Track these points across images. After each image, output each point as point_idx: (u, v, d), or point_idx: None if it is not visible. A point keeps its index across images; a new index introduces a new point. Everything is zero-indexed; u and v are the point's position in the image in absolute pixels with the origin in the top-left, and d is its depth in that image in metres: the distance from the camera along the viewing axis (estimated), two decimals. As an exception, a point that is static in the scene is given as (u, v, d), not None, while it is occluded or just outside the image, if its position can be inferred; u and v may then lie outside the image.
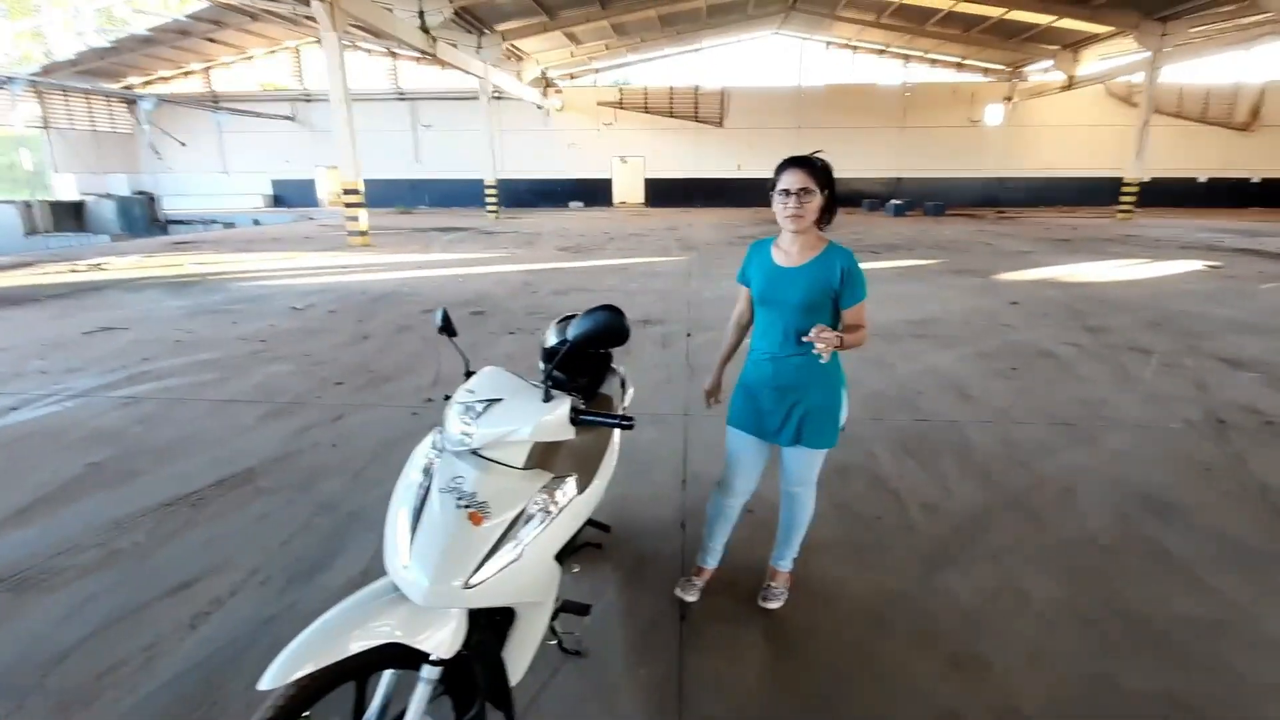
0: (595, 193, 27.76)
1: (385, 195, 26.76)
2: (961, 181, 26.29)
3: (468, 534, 1.32)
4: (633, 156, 27.51)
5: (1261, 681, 2.00)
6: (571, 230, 17.28)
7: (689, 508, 3.05)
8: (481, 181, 22.80)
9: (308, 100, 26.97)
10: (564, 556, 2.06)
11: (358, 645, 1.25)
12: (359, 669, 1.31)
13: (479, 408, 1.43)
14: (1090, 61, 22.25)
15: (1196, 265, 10.63)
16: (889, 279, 9.14)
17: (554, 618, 2.01)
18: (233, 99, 26.50)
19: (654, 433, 3.90)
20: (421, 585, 1.28)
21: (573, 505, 1.84)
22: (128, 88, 25.26)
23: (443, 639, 1.32)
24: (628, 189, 28.03)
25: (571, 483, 1.56)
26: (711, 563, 2.45)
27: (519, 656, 1.60)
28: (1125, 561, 2.64)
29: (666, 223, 19.25)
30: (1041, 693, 1.96)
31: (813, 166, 1.94)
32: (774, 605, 2.36)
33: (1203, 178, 25.48)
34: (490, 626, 1.50)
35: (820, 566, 2.58)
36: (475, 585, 1.31)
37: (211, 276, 9.76)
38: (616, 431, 2.36)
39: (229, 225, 21.38)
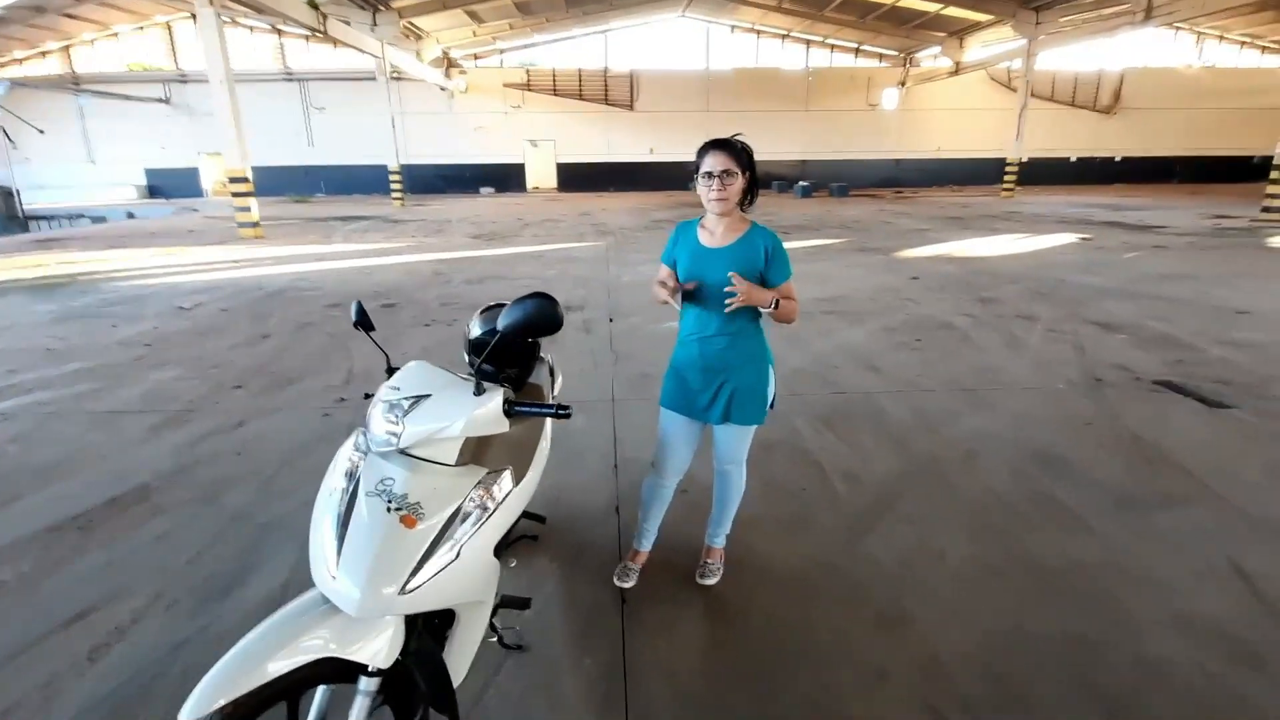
0: (507, 178, 27.12)
1: (277, 183, 25.10)
2: (863, 163, 27.48)
3: (400, 538, 1.26)
4: (543, 140, 27.01)
5: (1146, 613, 2.23)
6: (483, 217, 16.84)
7: (623, 493, 3.05)
8: (384, 167, 21.81)
9: (184, 81, 24.81)
10: (501, 551, 2.02)
11: (287, 664, 1.17)
12: (290, 688, 1.23)
13: (405, 405, 1.36)
14: (974, 48, 23.73)
15: (1071, 238, 11.61)
16: (800, 258, 9.43)
17: (493, 614, 1.97)
18: (97, 80, 23.98)
19: (583, 420, 3.88)
20: (353, 595, 1.21)
21: (510, 499, 1.80)
22: (-31, 68, 22.40)
23: (379, 648, 1.26)
24: (541, 174, 27.55)
25: (507, 476, 1.52)
26: (646, 545, 2.47)
27: (461, 658, 1.55)
28: (1025, 514, 2.87)
29: (581, 208, 19.08)
30: (959, 644, 2.10)
31: (734, 148, 1.96)
32: (711, 581, 2.41)
33: (1074, 157, 27.80)
34: (429, 630, 1.45)
35: (752, 540, 2.65)
36: (411, 590, 1.25)
37: (82, 277, 8.84)
38: (549, 421, 2.33)
39: (99, 220, 19.41)
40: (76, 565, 2.46)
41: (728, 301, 1.94)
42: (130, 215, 20.51)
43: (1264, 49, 26.76)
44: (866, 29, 24.70)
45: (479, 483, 1.43)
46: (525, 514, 2.34)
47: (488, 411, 1.38)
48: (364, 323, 1.67)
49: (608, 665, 2.02)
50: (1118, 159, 27.92)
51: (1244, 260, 9.27)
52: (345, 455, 1.42)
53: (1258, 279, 7.85)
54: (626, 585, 2.38)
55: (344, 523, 1.29)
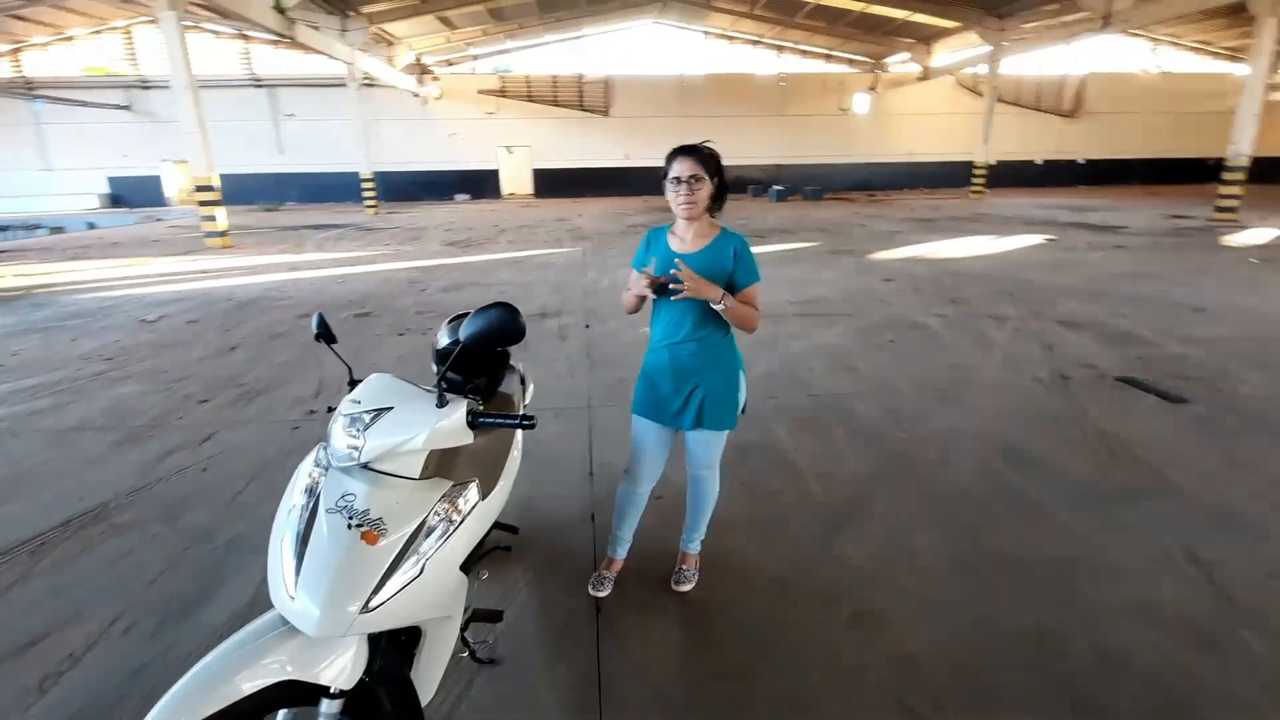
0: (482, 184, 26.91)
1: (246, 191, 24.59)
2: (836, 167, 27.78)
3: (362, 555, 1.23)
4: (519, 146, 26.89)
5: (1108, 603, 2.28)
6: (459, 223, 16.70)
7: (598, 499, 3.04)
8: (356, 174, 21.51)
9: (145, 87, 24.22)
10: (471, 564, 1.99)
11: (246, 687, 1.14)
12: (250, 712, 1.20)
13: (367, 418, 1.33)
14: (941, 54, 24.18)
15: (1038, 239, 11.85)
16: (776, 262, 9.51)
17: (464, 628, 1.94)
18: (52, 85, 23.32)
19: (558, 427, 3.86)
20: (312, 615, 1.18)
21: (477, 511, 1.78)
22: (-87, 72, 21.64)
23: (341, 670, 1.23)
24: (516, 180, 27.39)
25: (474, 489, 1.50)
26: (621, 553, 2.46)
27: (429, 675, 1.52)
28: (994, 510, 2.91)
29: (557, 213, 19.02)
30: (932, 638, 2.12)
31: (701, 154, 1.97)
32: (686, 588, 2.40)
33: (1039, 159, 28.43)
34: (395, 648, 1.42)
35: (728, 545, 2.65)
36: (373, 609, 1.22)
37: (39, 289, 8.59)
38: (519, 430, 2.31)
39: (58, 229, 18.89)
40: (27, 591, 2.37)
41: (673, 286, 1.93)
42: (91, 225, 19.98)
43: (1214, 54, 27.66)
44: (837, 35, 25.03)
45: (444, 496, 1.40)
46: (497, 525, 2.31)
47: (451, 423, 1.36)
48: (325, 335, 1.64)
49: (582, 674, 2.00)
50: (1081, 161, 28.60)
51: (1200, 258, 9.55)
52: (306, 471, 1.39)
53: (1212, 276, 8.09)
54: (602, 594, 2.36)
55: (303, 540, 1.26)
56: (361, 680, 1.30)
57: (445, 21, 21.56)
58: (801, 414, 4.02)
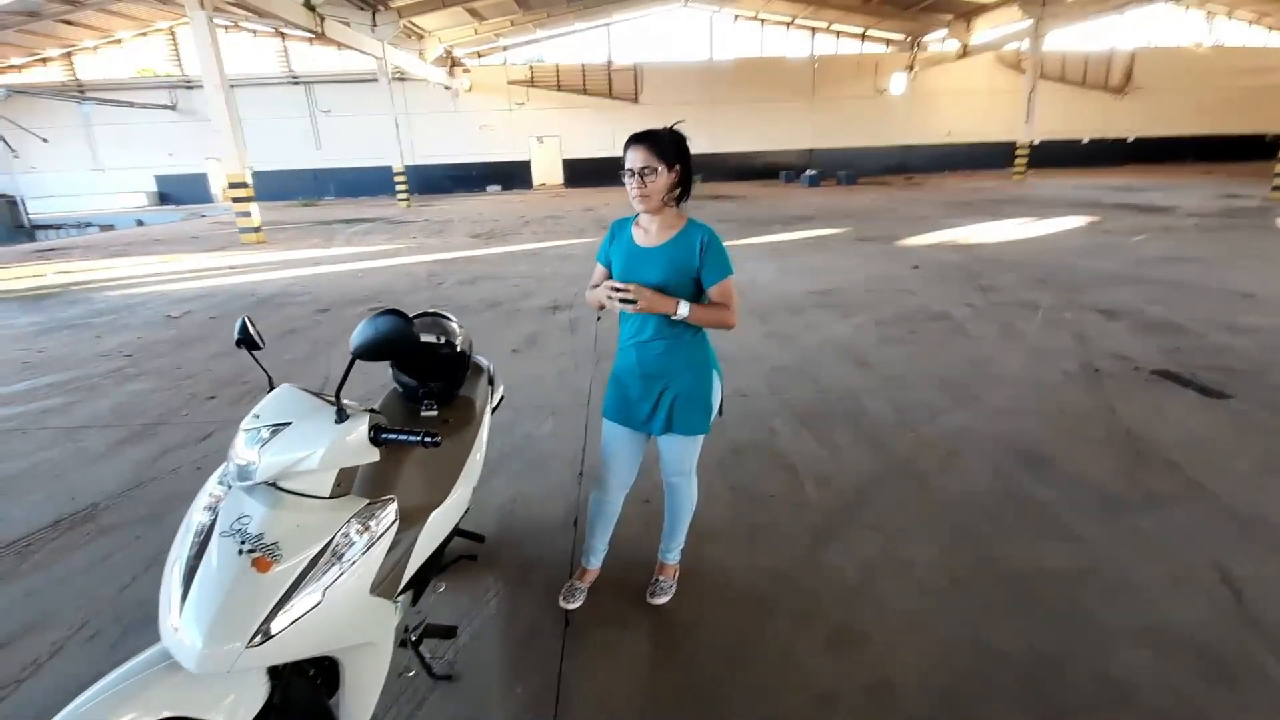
0: (513, 175, 27.02)
1: (286, 187, 25.24)
2: (871, 150, 27.04)
3: (251, 584, 1.15)
4: (549, 136, 26.87)
5: (1116, 626, 2.08)
6: (486, 215, 16.77)
7: (584, 504, 2.93)
8: (390, 168, 21.79)
9: (189, 87, 24.91)
10: (428, 576, 1.92)
11: (122, 727, 1.07)
12: (134, 750, 1.14)
13: (265, 434, 1.25)
14: (982, 30, 23.21)
15: (1080, 221, 11.29)
16: (798, 250, 9.25)
17: (418, 644, 1.87)
18: (101, 88, 24.18)
19: (552, 425, 3.77)
20: (194, 649, 1.11)
21: (429, 520, 1.69)
22: (-26, 79, 22.66)
23: (231, 706, 1.16)
24: (546, 170, 27.42)
25: (392, 508, 1.41)
26: (595, 563, 2.36)
27: (357, 704, 1.45)
28: (1001, 518, 2.72)
29: (584, 203, 18.96)
30: (914, 663, 1.97)
31: (655, 142, 1.83)
32: (661, 600, 2.29)
33: (1085, 138, 27.16)
34: (306, 679, 1.34)
35: (711, 554, 2.53)
36: (263, 643, 1.15)
37: (76, 286, 8.88)
38: (484, 432, 2.22)
39: (107, 227, 19.62)
40: (5, 593, 2.39)
41: (622, 302, 1.83)
42: (139, 222, 20.71)
43: (1271, 27, 25.96)
44: (872, 14, 24.25)
45: (355, 516, 1.32)
46: (461, 533, 2.24)
47: (351, 440, 1.27)
48: (247, 341, 1.57)
49: (539, 694, 1.91)
50: (1130, 140, 27.25)
51: (1253, 242, 8.94)
52: (209, 489, 1.32)
53: (1266, 261, 7.55)
54: (572, 606, 2.27)
55: (195, 566, 1.19)
56: (265, 714, 1.23)
57: (473, 13, 21.57)
58: (806, 412, 3.85)
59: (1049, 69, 24.80)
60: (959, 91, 26.64)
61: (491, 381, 2.43)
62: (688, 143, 1.90)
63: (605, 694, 1.92)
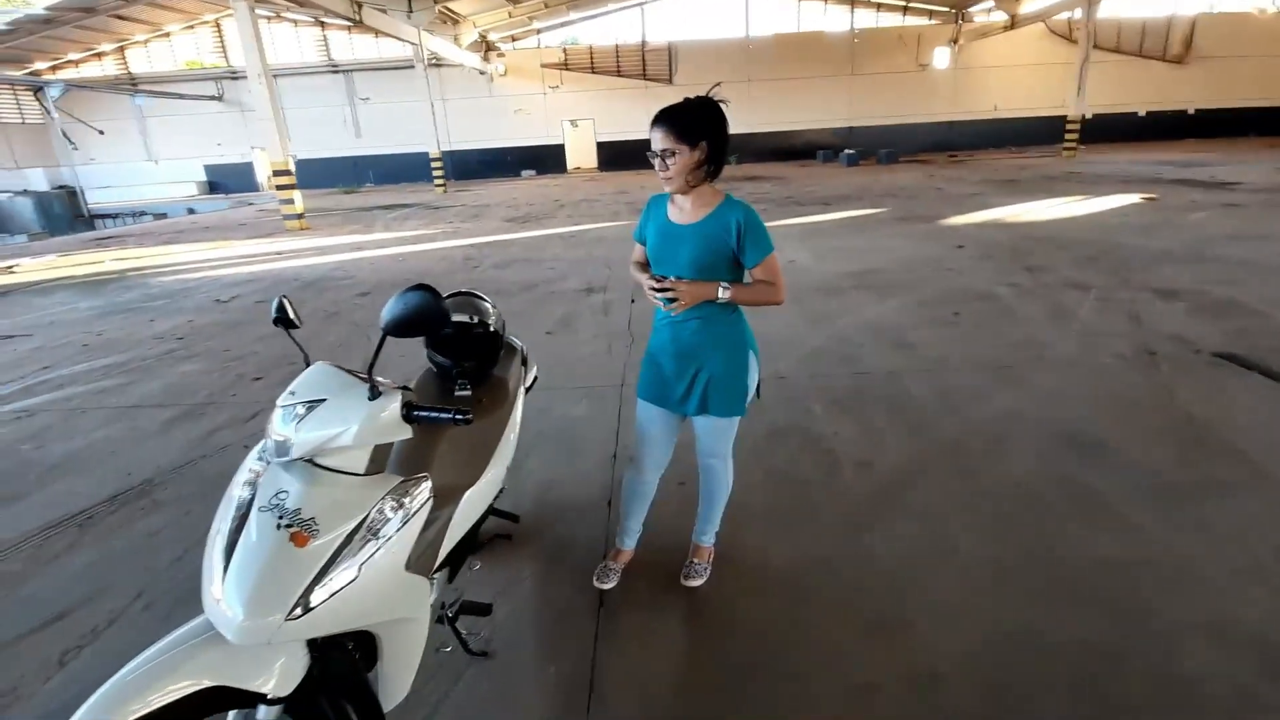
0: (547, 159, 27.06)
1: (327, 175, 25.72)
2: (913, 127, 26.25)
3: (289, 558, 1.16)
4: (583, 119, 26.78)
5: (1177, 619, 1.98)
6: (521, 200, 16.83)
7: (617, 485, 2.92)
8: (426, 154, 22.02)
9: (234, 78, 25.50)
10: (465, 554, 1.93)
11: (169, 696, 1.10)
12: (182, 716, 1.16)
13: (301, 410, 1.26)
14: (1031, -1, 22.21)
15: (1134, 198, 10.78)
16: (836, 231, 9.04)
17: (454, 620, 1.89)
18: (152, 80, 24.95)
19: (586, 407, 3.77)
20: (235, 621, 1.13)
21: (464, 499, 1.70)
22: (34, 73, 23.58)
23: (273, 676, 1.18)
24: (581, 153, 27.37)
25: (426, 486, 1.41)
26: (629, 544, 2.35)
27: (395, 677, 1.46)
28: (1050, 506, 2.61)
29: (618, 186, 18.87)
30: (960, 653, 1.91)
31: (675, 121, 1.76)
32: (696, 583, 2.27)
33: (1142, 111, 25.86)
34: (345, 652, 1.36)
35: (747, 537, 2.50)
36: (302, 616, 1.16)
37: (132, 272, 9.22)
38: (517, 412, 2.21)
39: (160, 216, 20.33)
40: (66, 565, 2.50)
41: (667, 308, 1.81)
42: (190, 211, 21.42)
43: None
44: (914, -16, 23.42)
45: (389, 494, 1.32)
46: (497, 513, 2.25)
47: (384, 418, 1.27)
48: (284, 320, 1.58)
49: (574, 674, 1.91)
50: (1190, 112, 25.82)
51: (1332, 216, 8.41)
52: (248, 465, 1.34)
53: (1347, 236, 7.09)
54: (606, 586, 2.27)
55: (235, 540, 1.20)
56: (306, 685, 1.25)
57: (507, -4, 21.53)
58: (845, 395, 3.76)
59: (1103, 38, 23.63)
60: (1006, 64, 25.59)
61: (525, 362, 2.42)
62: (723, 110, 1.82)
63: (639, 675, 1.91)
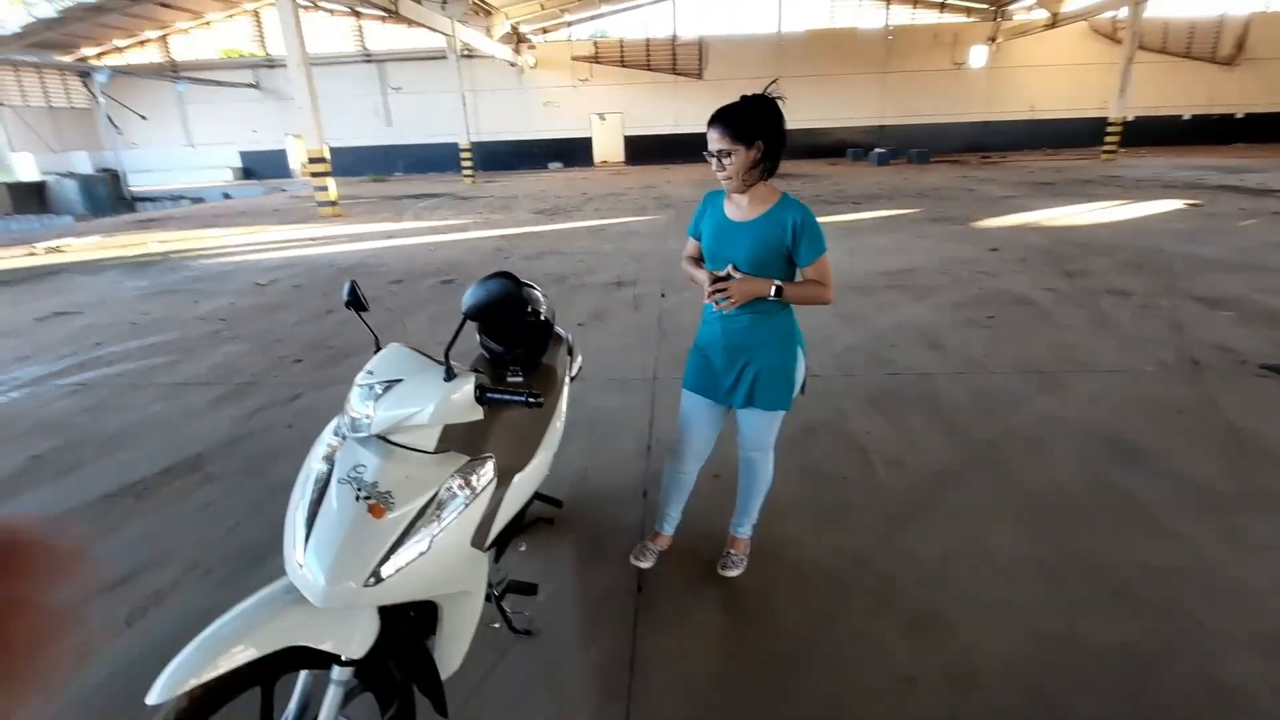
0: (575, 152, 27.13)
1: (357, 163, 26.05)
2: (946, 127, 25.86)
3: (367, 528, 1.22)
4: (611, 113, 26.80)
5: (1219, 628, 1.97)
6: (549, 192, 16.92)
7: (652, 475, 2.97)
8: (456, 145, 22.21)
9: (270, 66, 25.97)
10: (510, 536, 1.99)
11: (252, 652, 1.16)
12: (261, 674, 1.23)
13: (379, 389, 1.31)
14: (1074, -4, 21.71)
15: (1177, 204, 10.53)
16: (867, 230, 8.97)
17: (500, 599, 1.95)
18: (192, 68, 25.47)
19: (620, 399, 3.82)
20: (318, 585, 1.19)
21: (513, 482, 1.75)
22: (81, 59, 24.21)
23: (349, 639, 1.24)
24: (608, 147, 27.40)
25: (490, 466, 1.46)
26: (668, 529, 2.39)
27: (451, 648, 1.52)
28: (1091, 511, 2.60)
29: (645, 181, 18.87)
30: (999, 652, 1.92)
31: (731, 122, 1.78)
32: (733, 573, 2.30)
33: (1187, 114, 25.17)
34: (409, 620, 1.42)
35: (783, 531, 2.52)
36: (379, 583, 1.22)
37: (174, 254, 9.47)
38: (564, 400, 2.26)
39: (198, 200, 20.75)
40: (125, 532, 2.61)
41: (718, 305, 1.84)
42: (226, 196, 21.83)
43: None
44: (953, -19, 23.04)
45: (457, 471, 1.37)
46: (540, 497, 2.30)
47: (458, 399, 1.32)
48: (356, 303, 1.64)
49: (615, 656, 1.96)
50: (1239, 115, 25.05)
51: (1388, 226, 8.14)
52: (325, 439, 1.40)
53: (1403, 248, 6.87)
54: (643, 565, 2.31)
55: (316, 509, 1.26)
56: (375, 649, 1.31)
57: (540, -12, 21.59)
58: (878, 394, 3.76)
59: (1149, 38, 23.01)
60: (1044, 64, 25.07)
61: (570, 352, 2.47)
62: (779, 107, 1.84)
63: (677, 661, 1.95)
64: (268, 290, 6.95)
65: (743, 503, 2.33)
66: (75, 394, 4.12)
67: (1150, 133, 24.02)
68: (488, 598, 1.90)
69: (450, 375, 1.32)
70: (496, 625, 1.93)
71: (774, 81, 1.92)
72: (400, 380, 1.32)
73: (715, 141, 1.80)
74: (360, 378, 1.36)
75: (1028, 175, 16.35)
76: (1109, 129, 19.88)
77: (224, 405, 3.88)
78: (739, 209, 1.95)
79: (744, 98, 1.83)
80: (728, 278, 1.89)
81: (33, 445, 3.39)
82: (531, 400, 1.37)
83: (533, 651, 1.98)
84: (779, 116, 1.84)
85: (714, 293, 1.88)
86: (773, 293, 1.86)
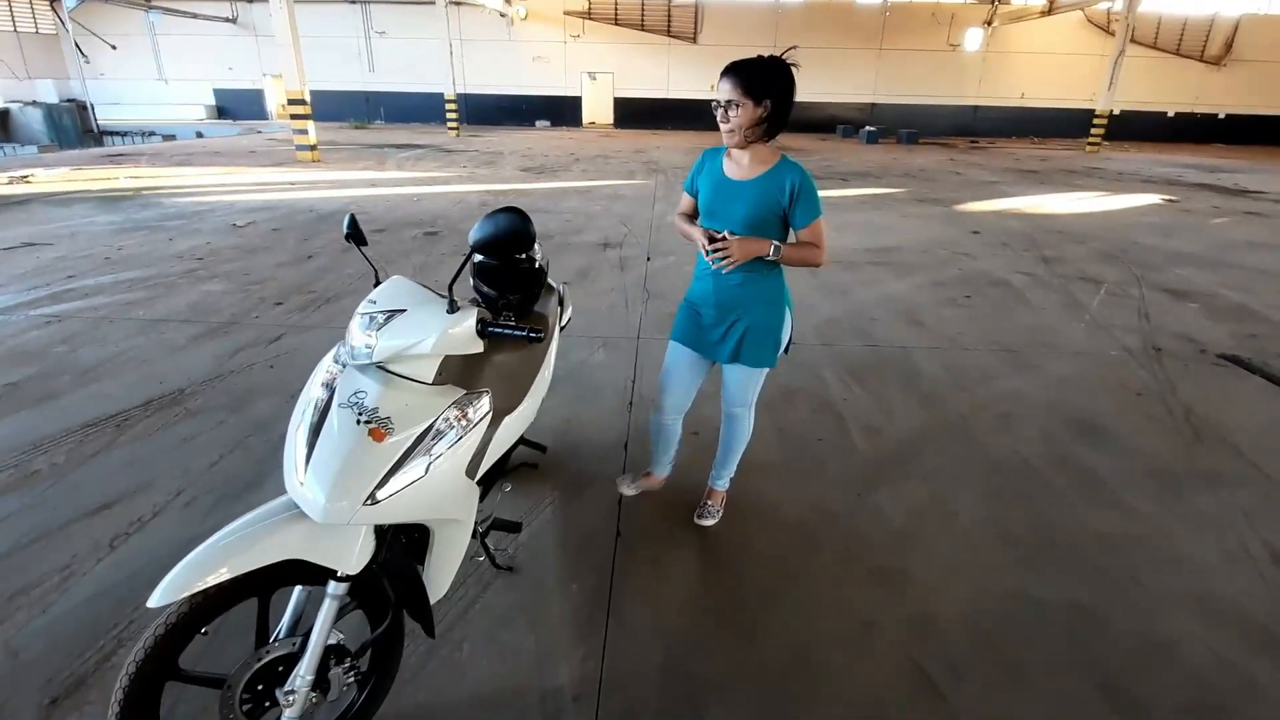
0: (563, 111, 26.57)
1: (338, 109, 25.21)
2: (937, 109, 25.83)
3: (368, 450, 1.26)
4: (601, 73, 26.24)
5: (1162, 591, 2.11)
6: (535, 150, 16.62)
7: (634, 430, 3.04)
8: (441, 95, 21.63)
9: (249, 0, 24.84)
10: (495, 476, 2.04)
11: (253, 562, 1.21)
12: (259, 585, 1.28)
13: (381, 319, 1.34)
14: (1073, -16, 21.66)
15: (1155, 199, 10.74)
16: (853, 207, 9.03)
17: (485, 535, 2.01)
18: (166, -3, 24.26)
19: (604, 355, 3.86)
20: (318, 502, 1.23)
21: (504, 423, 1.79)
22: (46, -21, 22.92)
23: (346, 555, 1.28)
24: (597, 108, 26.87)
25: (485, 400, 1.50)
26: (659, 473, 2.47)
27: (440, 573, 1.58)
28: (1051, 482, 2.73)
29: (635, 145, 18.63)
30: (956, 603, 2.04)
31: (744, 74, 1.80)
32: (709, 523, 2.39)
33: (1171, 111, 25.47)
34: (402, 544, 1.47)
35: (758, 485, 2.61)
36: (377, 503, 1.26)
37: (146, 191, 9.17)
38: (552, 349, 2.30)
39: (169, 138, 20.01)
40: (107, 460, 2.61)
41: (718, 264, 1.87)
42: (199, 134, 21.07)
43: None
44: (955, -40, 22.79)
45: (454, 403, 1.41)
46: (525, 441, 2.36)
47: (460, 330, 1.35)
48: (356, 236, 1.65)
49: (593, 592, 2.04)
50: (1221, 116, 25.44)
51: (1351, 231, 8.42)
52: (325, 367, 1.43)
53: (1363, 252, 7.13)
54: (626, 491, 2.44)
55: (316, 432, 1.30)
56: (369, 568, 1.36)
57: (536, -64, 20.86)
58: (857, 364, 3.86)
59: (1141, 32, 23.12)
60: (1038, 51, 25.06)
61: (561, 302, 2.49)
62: (792, 74, 1.85)
63: (653, 599, 2.04)
64: (245, 232, 6.80)
65: (721, 456, 2.40)
66: (49, 325, 4.03)
67: (1133, 128, 24.30)
68: (472, 534, 1.96)
69: (454, 308, 1.35)
70: (480, 559, 1.98)
71: (793, 48, 1.93)
72: (404, 310, 1.34)
73: (725, 91, 1.82)
74: (363, 307, 1.38)
75: (1014, 162, 16.49)
76: (1095, 121, 20.06)
77: (204, 343, 3.84)
78: (739, 167, 1.98)
79: (760, 56, 1.84)
80: (725, 238, 1.91)
81: (8, 373, 3.34)
82: (533, 335, 1.41)
83: (515, 585, 2.05)
84: (791, 82, 1.85)
85: (713, 252, 1.91)
86: (771, 253, 1.89)
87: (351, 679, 1.41)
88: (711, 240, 1.92)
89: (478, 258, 2.09)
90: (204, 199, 8.69)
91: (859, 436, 3.06)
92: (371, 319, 1.35)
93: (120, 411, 2.98)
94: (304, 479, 1.25)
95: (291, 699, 1.29)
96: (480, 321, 1.38)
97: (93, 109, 19.23)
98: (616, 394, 3.40)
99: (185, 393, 3.20)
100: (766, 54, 1.84)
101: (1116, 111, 20.63)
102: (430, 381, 1.40)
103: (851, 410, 3.30)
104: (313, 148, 13.29)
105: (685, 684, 1.74)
